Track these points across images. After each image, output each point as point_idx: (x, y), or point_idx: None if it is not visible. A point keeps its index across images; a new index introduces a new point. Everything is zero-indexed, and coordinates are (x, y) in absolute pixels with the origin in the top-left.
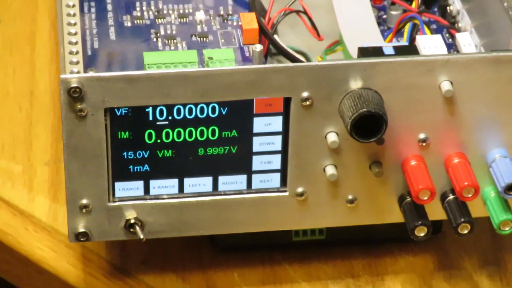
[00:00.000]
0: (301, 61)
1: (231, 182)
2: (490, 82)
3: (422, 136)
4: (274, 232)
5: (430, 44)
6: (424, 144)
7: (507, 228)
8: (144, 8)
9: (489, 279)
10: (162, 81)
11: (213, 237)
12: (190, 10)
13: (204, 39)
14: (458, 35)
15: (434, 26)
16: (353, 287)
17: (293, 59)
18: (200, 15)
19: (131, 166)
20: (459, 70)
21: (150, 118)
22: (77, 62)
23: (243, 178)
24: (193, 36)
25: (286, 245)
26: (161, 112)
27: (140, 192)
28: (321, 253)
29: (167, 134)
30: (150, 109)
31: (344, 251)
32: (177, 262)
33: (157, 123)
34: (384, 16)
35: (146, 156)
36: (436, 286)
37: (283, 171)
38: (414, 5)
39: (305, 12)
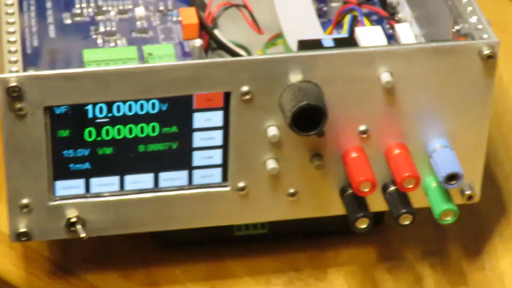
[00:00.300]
0: (240, 55)
1: (172, 178)
2: (430, 72)
3: (362, 127)
4: (216, 227)
5: (370, 36)
6: (364, 135)
7: (448, 218)
8: (83, 5)
9: (431, 269)
10: (102, 78)
11: (156, 233)
12: (130, 6)
13: (144, 35)
14: (397, 26)
15: (374, 18)
16: (296, 280)
17: (233, 54)
18: (139, 11)
19: (71, 165)
20: (399, 61)
21: (90, 115)
22: (16, 61)
23: (184, 174)
24: (133, 32)
25: (229, 240)
26: (101, 109)
27: (81, 190)
28: (264, 247)
29: (107, 132)
30: (89, 107)
31: (286, 244)
32: (119, 259)
33: (97, 120)
34: (325, 9)
35: (86, 154)
36: (379, 278)
37: (224, 166)
38: None
39: (245, 6)
